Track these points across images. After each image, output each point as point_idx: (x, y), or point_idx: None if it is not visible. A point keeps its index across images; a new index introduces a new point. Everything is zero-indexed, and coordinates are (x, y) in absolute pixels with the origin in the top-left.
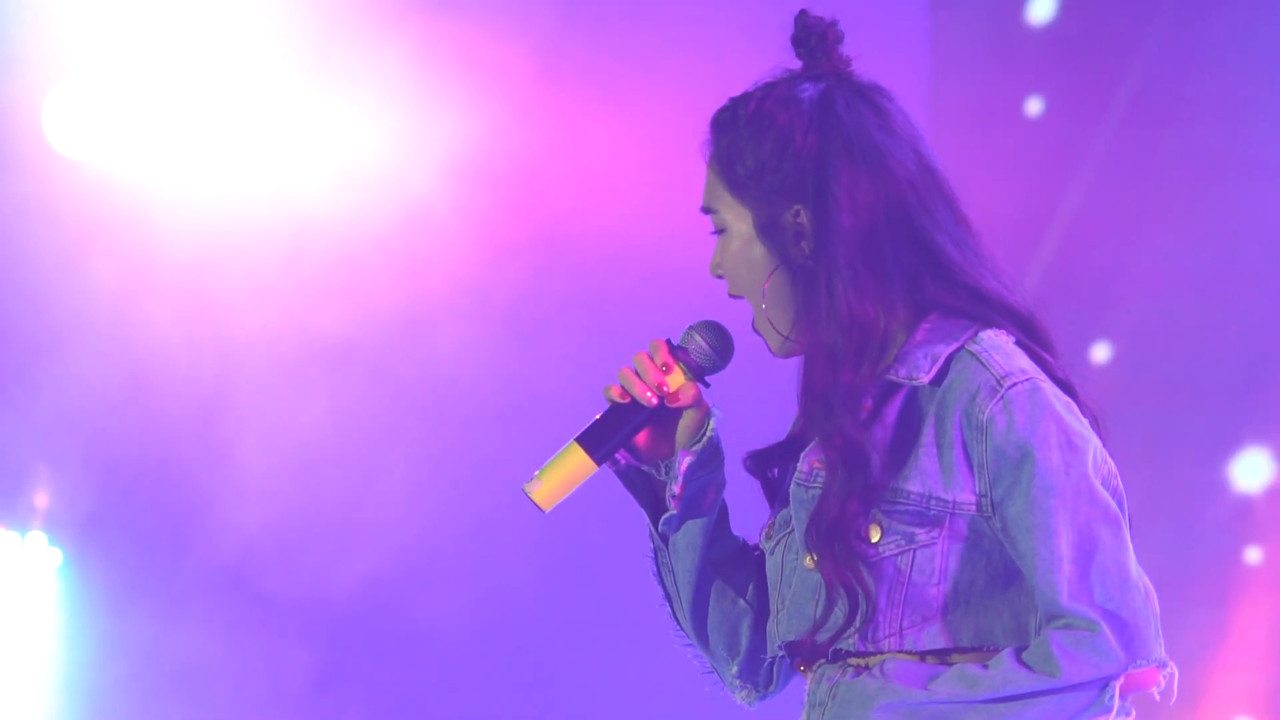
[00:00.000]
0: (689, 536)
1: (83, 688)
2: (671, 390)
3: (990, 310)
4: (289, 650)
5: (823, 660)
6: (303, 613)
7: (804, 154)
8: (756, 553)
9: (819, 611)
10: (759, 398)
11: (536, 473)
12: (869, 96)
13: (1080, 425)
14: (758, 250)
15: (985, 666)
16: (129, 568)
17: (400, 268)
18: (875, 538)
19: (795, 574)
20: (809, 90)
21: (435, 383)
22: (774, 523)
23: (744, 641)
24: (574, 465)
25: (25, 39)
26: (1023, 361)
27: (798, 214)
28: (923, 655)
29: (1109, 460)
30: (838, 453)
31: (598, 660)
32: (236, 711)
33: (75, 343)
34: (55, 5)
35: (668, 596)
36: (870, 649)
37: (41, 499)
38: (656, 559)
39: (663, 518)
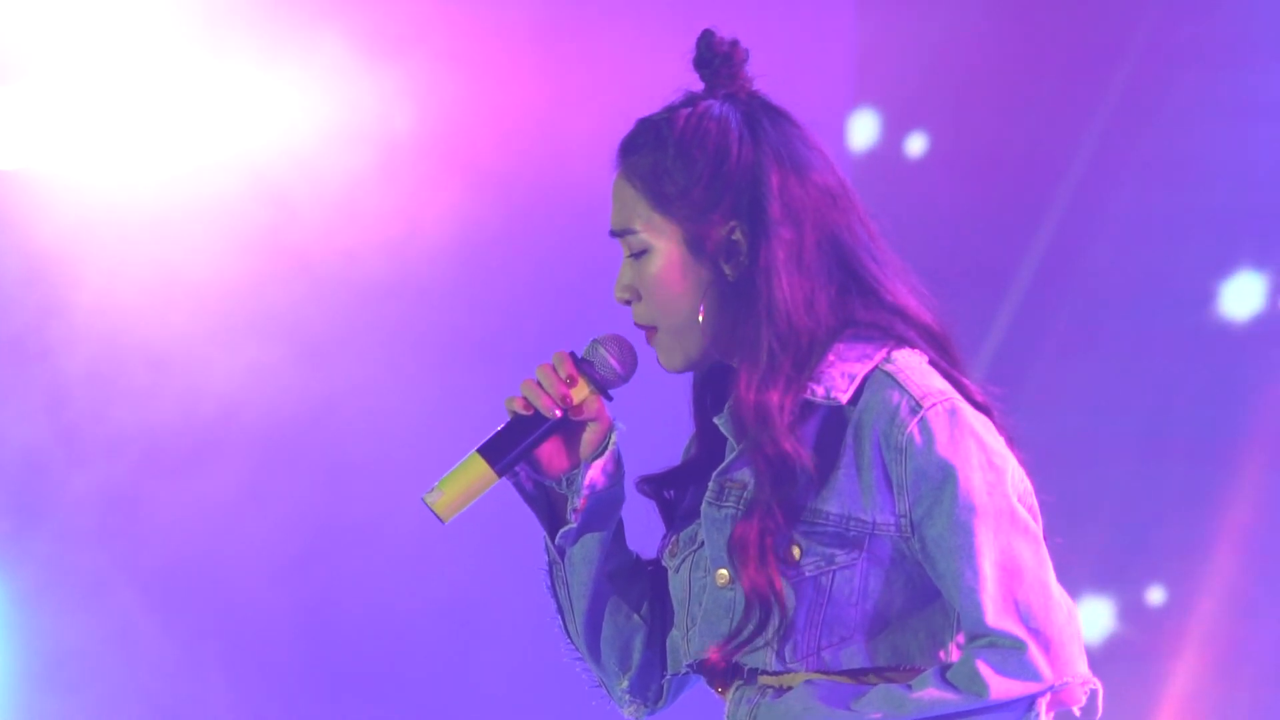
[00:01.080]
0: (586, 550)
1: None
2: (576, 403)
3: (907, 328)
4: (215, 652)
5: (739, 681)
6: (238, 614)
7: (738, 169)
8: (650, 568)
9: (733, 627)
10: (653, 414)
11: (437, 483)
12: (785, 114)
13: (999, 444)
14: (689, 268)
15: (909, 687)
16: (49, 568)
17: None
18: (795, 557)
19: (705, 592)
20: (731, 108)
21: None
22: (678, 540)
23: (636, 656)
24: (475, 476)
25: None
26: (938, 382)
27: (732, 230)
28: (840, 675)
29: (1026, 479)
30: (768, 463)
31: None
32: (157, 713)
33: (28, 372)
34: None
35: (560, 610)
36: (785, 668)
37: None
38: (551, 572)
39: (561, 531)
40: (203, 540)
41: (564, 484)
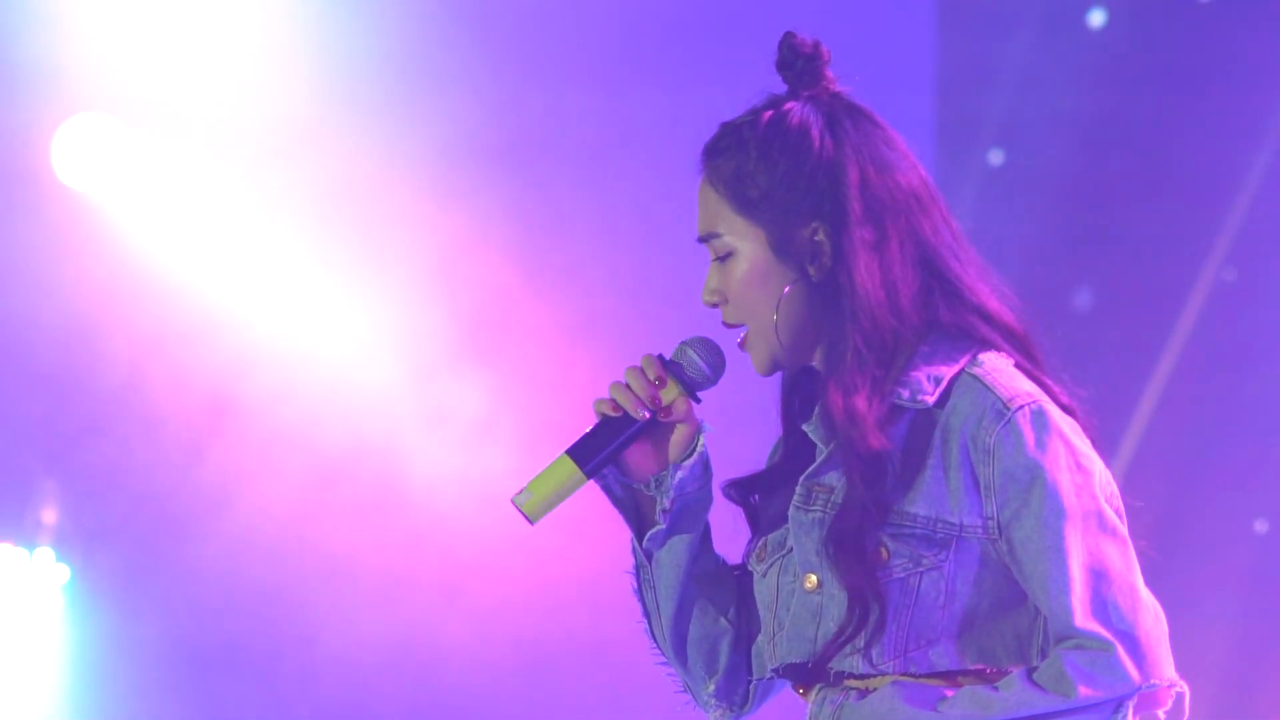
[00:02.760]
0: (674, 553)
1: (90, 704)
2: (664, 404)
3: (991, 330)
4: (296, 664)
5: (823, 684)
6: (311, 626)
7: (820, 170)
8: (737, 572)
9: (820, 632)
10: (741, 417)
11: (526, 485)
12: (867, 114)
13: (1086, 447)
14: (773, 270)
15: (996, 688)
16: (136, 583)
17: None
18: (883, 559)
19: (794, 597)
20: (813, 109)
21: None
22: (765, 545)
23: (723, 660)
24: (564, 478)
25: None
26: (1025, 384)
27: (815, 231)
28: (926, 677)
29: (1112, 481)
30: (859, 462)
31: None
32: None
33: (81, 359)
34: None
35: (647, 614)
36: (872, 671)
37: (49, 514)
38: (639, 575)
39: (649, 533)
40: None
41: (652, 486)
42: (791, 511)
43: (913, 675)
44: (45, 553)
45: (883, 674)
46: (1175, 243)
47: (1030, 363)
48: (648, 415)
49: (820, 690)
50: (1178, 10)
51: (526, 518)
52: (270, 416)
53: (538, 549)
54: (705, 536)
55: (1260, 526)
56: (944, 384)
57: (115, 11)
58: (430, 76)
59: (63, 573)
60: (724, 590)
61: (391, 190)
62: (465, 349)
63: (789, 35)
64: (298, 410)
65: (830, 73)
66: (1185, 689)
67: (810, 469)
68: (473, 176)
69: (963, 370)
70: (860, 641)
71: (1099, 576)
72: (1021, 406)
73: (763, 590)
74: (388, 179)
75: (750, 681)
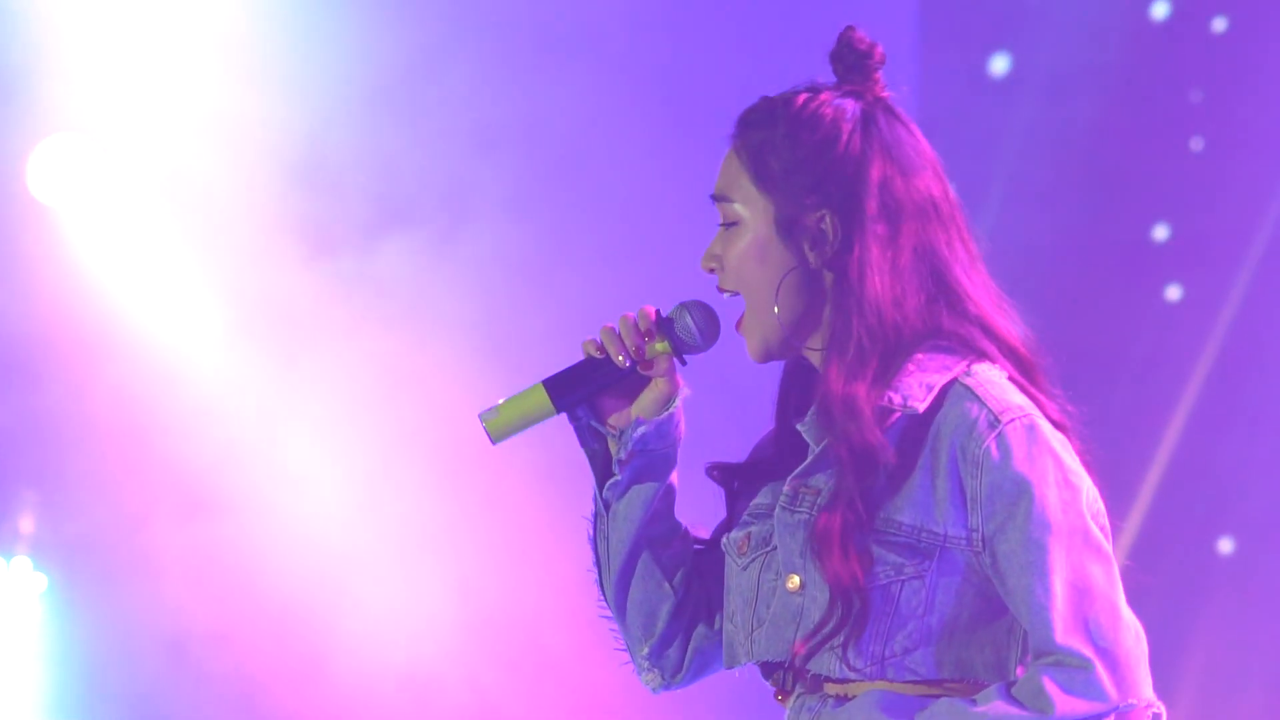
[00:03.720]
0: (630, 507)
1: (67, 712)
2: (647, 357)
3: (990, 343)
4: (279, 671)
5: (801, 689)
6: (296, 634)
7: (844, 159)
8: (698, 546)
9: (800, 633)
10: (731, 405)
11: (498, 403)
12: (905, 120)
13: (1074, 463)
14: (773, 248)
15: (974, 701)
16: (114, 593)
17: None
18: (869, 560)
19: (775, 595)
20: (851, 102)
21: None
22: (749, 538)
23: (660, 625)
24: (534, 405)
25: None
26: (1017, 397)
27: (823, 218)
28: (903, 684)
29: (1100, 499)
30: (852, 454)
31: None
32: None
33: (59, 368)
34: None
35: (598, 563)
36: (850, 675)
37: (27, 524)
38: (595, 523)
39: (608, 482)
40: None
41: (618, 435)
42: (778, 512)
43: (889, 681)
44: (23, 561)
45: (859, 679)
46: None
47: (1026, 379)
48: (628, 364)
49: (798, 697)
50: None
51: (489, 435)
52: (252, 426)
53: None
54: (666, 499)
55: (1224, 546)
56: (935, 391)
57: (90, 31)
58: (415, 99)
59: (40, 581)
60: (676, 557)
61: (364, 211)
62: (458, 370)
63: (850, 30)
64: (279, 419)
65: (880, 76)
66: (1163, 710)
67: (799, 469)
68: (465, 209)
69: (955, 380)
70: (839, 640)
71: (1081, 594)
72: (1013, 419)
73: (743, 583)
74: (365, 199)
75: (686, 654)
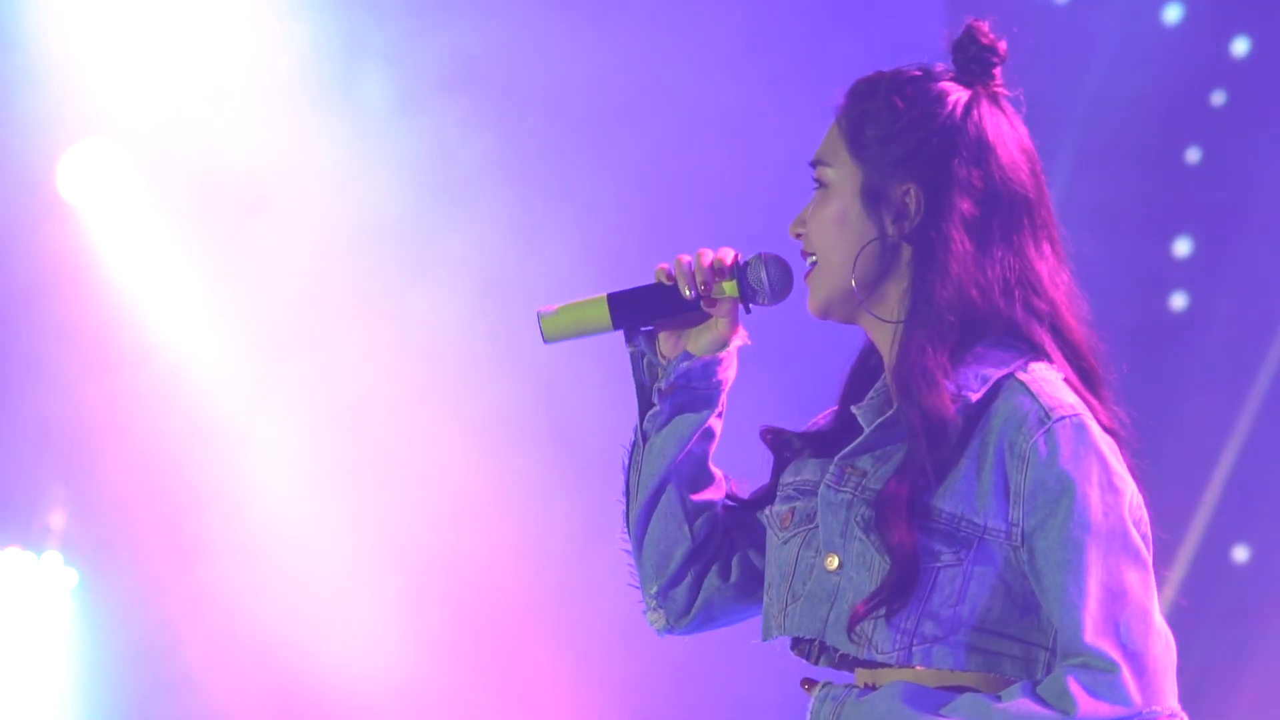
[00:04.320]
0: (665, 442)
1: (97, 707)
2: (713, 295)
3: (1056, 346)
4: (302, 669)
5: (826, 661)
6: (319, 632)
7: (938, 138)
8: (733, 502)
9: (834, 613)
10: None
11: (558, 306)
12: (1008, 114)
13: (1121, 468)
14: (854, 216)
15: (998, 697)
16: (144, 588)
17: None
18: (927, 529)
19: (813, 573)
20: (961, 89)
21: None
22: (793, 513)
23: (673, 565)
24: (593, 316)
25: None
26: (1069, 396)
27: (907, 192)
28: (928, 673)
29: (1144, 507)
30: (926, 422)
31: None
32: None
33: (90, 368)
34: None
35: (627, 493)
36: (876, 658)
37: (57, 519)
38: (631, 453)
39: (649, 413)
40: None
41: (666, 366)
42: (822, 490)
43: (914, 669)
44: (53, 556)
45: (885, 663)
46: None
47: (1084, 384)
48: (694, 297)
49: (823, 687)
50: None
51: (542, 333)
52: (282, 427)
53: None
54: (703, 442)
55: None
56: (989, 384)
57: (120, 36)
58: (430, 110)
59: (71, 577)
60: (702, 503)
61: (368, 226)
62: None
63: (975, 23)
64: (307, 420)
65: (999, 72)
66: None
67: (848, 449)
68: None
69: (1011, 374)
70: (882, 612)
71: (1115, 596)
72: (1063, 418)
73: (781, 558)
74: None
75: (695, 601)
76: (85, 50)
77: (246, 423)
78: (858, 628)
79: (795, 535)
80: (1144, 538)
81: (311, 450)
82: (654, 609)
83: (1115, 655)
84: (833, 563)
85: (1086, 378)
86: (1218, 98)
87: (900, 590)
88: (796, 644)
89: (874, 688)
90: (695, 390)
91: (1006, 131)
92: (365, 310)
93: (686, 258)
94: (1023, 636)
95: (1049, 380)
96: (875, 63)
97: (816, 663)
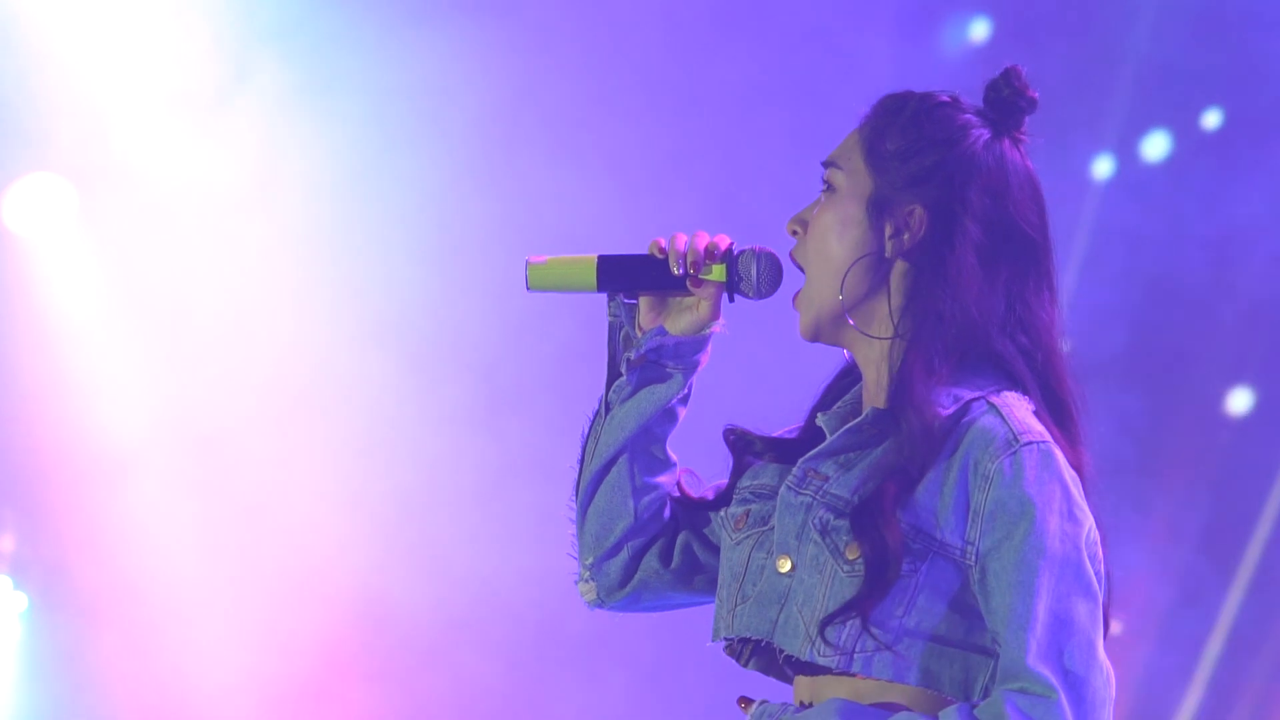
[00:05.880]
0: (626, 414)
1: None
2: (700, 276)
3: (1032, 379)
4: (260, 692)
5: (764, 700)
6: (281, 654)
7: (955, 164)
8: (678, 492)
9: (783, 615)
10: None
11: (549, 257)
12: (1025, 160)
13: (1083, 501)
14: (855, 226)
15: (935, 718)
16: (93, 612)
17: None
18: (853, 556)
19: (764, 574)
20: (987, 126)
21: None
22: (748, 515)
23: (611, 539)
24: (579, 272)
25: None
26: (1038, 424)
27: (912, 211)
28: (868, 683)
29: (1100, 544)
30: (924, 432)
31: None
32: None
33: (35, 395)
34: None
35: (581, 460)
36: (820, 662)
37: (7, 542)
38: (593, 421)
39: (615, 383)
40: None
41: (638, 337)
42: (783, 491)
43: (853, 677)
44: (3, 580)
45: (826, 670)
46: None
47: (1054, 420)
48: (681, 274)
49: (760, 704)
50: None
51: (527, 280)
52: (231, 448)
53: None
54: (664, 422)
55: None
56: (960, 404)
57: (73, 67)
58: (414, 128)
59: (20, 601)
60: (652, 483)
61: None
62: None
63: (1014, 68)
64: (262, 442)
65: (1027, 121)
66: None
67: (813, 452)
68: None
69: (983, 397)
70: (854, 616)
71: (1061, 624)
72: (1031, 443)
73: (733, 559)
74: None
75: (630, 581)
76: (33, 79)
77: (179, 451)
78: (806, 631)
79: (748, 537)
80: (1097, 574)
81: (287, 478)
82: (586, 579)
83: (1055, 681)
84: (785, 565)
85: (1059, 415)
86: None
87: (882, 590)
88: (729, 645)
89: (809, 705)
90: (664, 367)
91: (1024, 174)
92: (299, 331)
93: (684, 236)
94: (964, 657)
95: (1018, 406)
96: (875, 63)
97: (746, 665)
